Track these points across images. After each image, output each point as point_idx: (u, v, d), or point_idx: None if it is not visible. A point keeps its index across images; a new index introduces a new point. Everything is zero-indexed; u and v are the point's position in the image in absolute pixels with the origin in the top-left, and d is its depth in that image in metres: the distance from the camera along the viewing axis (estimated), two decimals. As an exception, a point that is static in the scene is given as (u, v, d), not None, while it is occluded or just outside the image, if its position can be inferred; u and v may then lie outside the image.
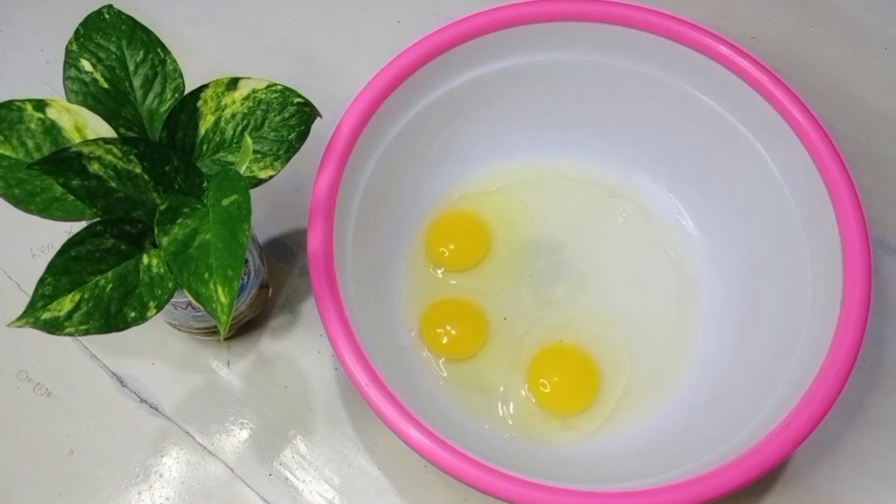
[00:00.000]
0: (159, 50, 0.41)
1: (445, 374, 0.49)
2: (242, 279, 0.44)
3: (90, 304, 0.36)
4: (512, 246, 0.52)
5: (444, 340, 0.49)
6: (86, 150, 0.35)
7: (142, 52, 0.41)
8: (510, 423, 0.48)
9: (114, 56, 0.41)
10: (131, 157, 0.37)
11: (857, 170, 0.45)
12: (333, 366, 0.50)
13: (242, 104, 0.41)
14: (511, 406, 0.48)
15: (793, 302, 0.45)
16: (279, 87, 0.41)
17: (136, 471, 0.47)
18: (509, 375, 0.49)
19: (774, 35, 0.60)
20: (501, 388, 0.49)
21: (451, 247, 0.51)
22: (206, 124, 0.41)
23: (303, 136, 0.42)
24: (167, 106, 0.41)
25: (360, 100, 0.45)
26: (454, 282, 0.51)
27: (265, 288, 0.50)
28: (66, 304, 0.36)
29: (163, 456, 0.47)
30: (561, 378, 0.48)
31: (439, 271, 0.51)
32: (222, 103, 0.41)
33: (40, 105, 0.38)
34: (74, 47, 0.41)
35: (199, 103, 0.41)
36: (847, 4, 0.61)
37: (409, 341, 0.49)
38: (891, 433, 0.49)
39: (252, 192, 0.37)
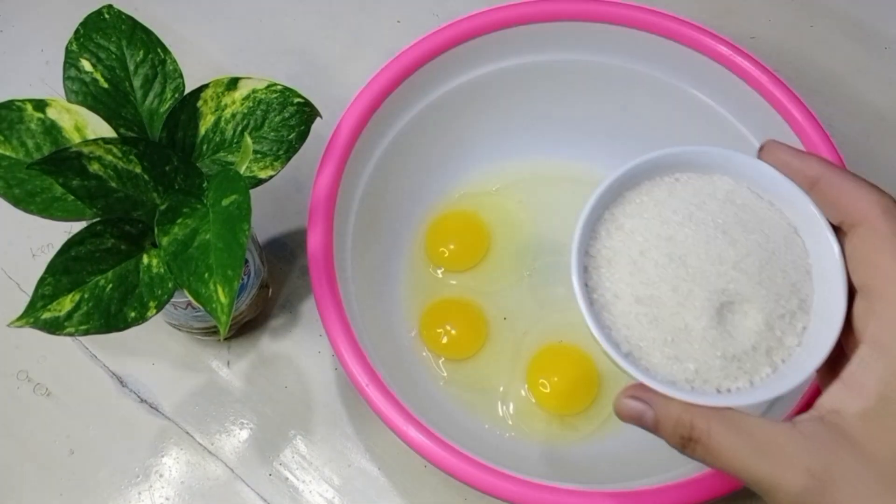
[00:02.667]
0: (159, 50, 0.41)
1: (445, 374, 0.49)
2: (242, 279, 0.44)
3: (90, 304, 0.36)
4: (512, 246, 0.52)
5: (444, 340, 0.49)
6: (86, 150, 0.35)
7: (142, 52, 0.41)
8: (510, 423, 0.48)
9: (114, 56, 0.41)
10: (131, 157, 0.37)
11: (858, 170, 0.45)
12: (333, 366, 0.50)
13: (242, 104, 0.41)
14: (511, 406, 0.48)
15: (793, 302, 0.45)
16: (279, 87, 0.41)
17: (136, 471, 0.47)
18: (509, 375, 0.49)
19: (774, 35, 0.60)
20: (501, 388, 0.49)
21: (451, 247, 0.51)
22: (206, 124, 0.41)
23: (303, 136, 0.42)
24: (167, 106, 0.41)
25: (360, 100, 0.45)
26: (454, 282, 0.51)
27: (265, 288, 0.50)
28: (66, 304, 0.36)
29: (163, 456, 0.47)
30: (561, 378, 0.48)
31: (439, 271, 0.51)
32: (222, 103, 0.41)
33: (40, 105, 0.38)
34: (74, 47, 0.41)
35: (199, 103, 0.41)
36: (847, 4, 0.61)
37: (409, 341, 0.49)
38: (891, 433, 0.48)
39: (252, 192, 0.37)
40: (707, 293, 0.30)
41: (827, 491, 0.26)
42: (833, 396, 0.27)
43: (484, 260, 0.52)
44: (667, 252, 0.31)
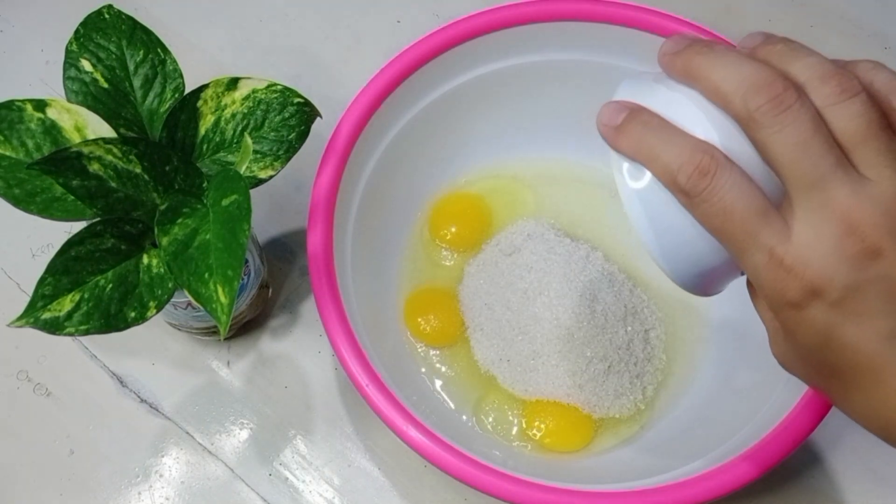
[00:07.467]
0: (159, 50, 0.41)
1: (446, 374, 0.49)
2: (242, 279, 0.44)
3: (90, 304, 0.36)
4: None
5: (427, 329, 0.49)
6: (86, 150, 0.35)
7: (142, 52, 0.41)
8: (494, 427, 0.48)
9: (114, 56, 0.41)
10: (131, 157, 0.37)
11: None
12: (333, 366, 0.50)
13: (242, 104, 0.41)
14: (492, 417, 0.48)
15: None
16: (279, 87, 0.41)
17: (136, 471, 0.47)
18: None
19: (774, 35, 0.60)
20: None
21: (454, 229, 0.51)
22: (206, 124, 0.41)
23: (303, 136, 0.42)
24: (167, 106, 0.41)
25: (360, 100, 0.45)
26: (450, 263, 0.51)
27: (265, 288, 0.50)
28: (66, 304, 0.36)
29: (163, 456, 0.47)
30: (557, 421, 0.47)
31: (442, 258, 0.51)
32: (222, 103, 0.41)
33: (40, 105, 0.38)
34: (74, 47, 0.41)
35: (199, 103, 0.41)
36: (847, 4, 0.61)
37: (409, 341, 0.49)
38: (891, 433, 0.49)
39: (252, 192, 0.37)
40: None
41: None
42: None
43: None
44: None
